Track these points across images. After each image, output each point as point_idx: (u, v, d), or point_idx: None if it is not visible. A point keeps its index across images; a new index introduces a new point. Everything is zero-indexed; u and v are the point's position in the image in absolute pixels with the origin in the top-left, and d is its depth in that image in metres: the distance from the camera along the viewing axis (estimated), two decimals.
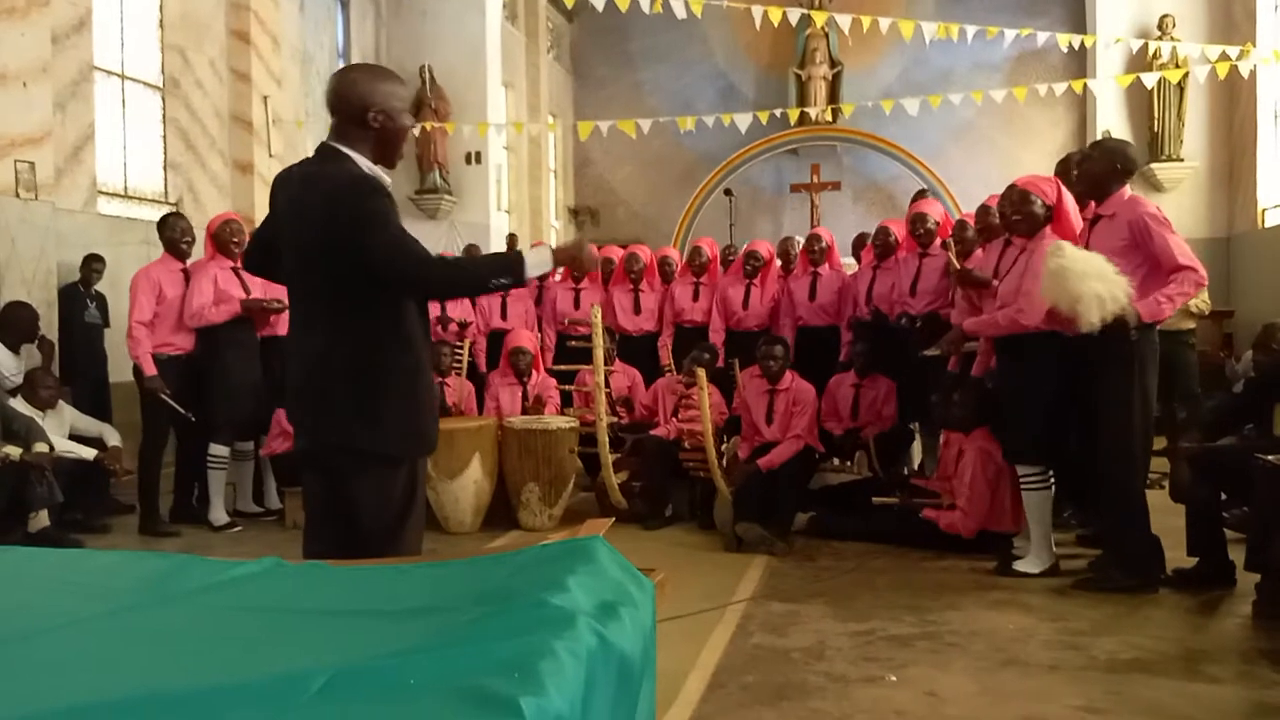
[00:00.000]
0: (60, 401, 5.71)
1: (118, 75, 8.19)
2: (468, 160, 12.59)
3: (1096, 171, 4.35)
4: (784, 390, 5.59)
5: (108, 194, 8.00)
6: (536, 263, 2.58)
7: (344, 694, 1.15)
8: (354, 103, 2.58)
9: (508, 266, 2.59)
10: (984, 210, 5.51)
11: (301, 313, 2.67)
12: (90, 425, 5.83)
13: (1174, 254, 4.15)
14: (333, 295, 2.57)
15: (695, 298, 6.74)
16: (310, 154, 2.72)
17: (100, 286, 7.12)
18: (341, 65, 11.80)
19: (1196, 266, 4.16)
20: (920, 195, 6.66)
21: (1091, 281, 4.02)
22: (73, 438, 5.61)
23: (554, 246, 2.66)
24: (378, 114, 2.58)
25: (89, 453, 5.53)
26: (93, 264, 7.01)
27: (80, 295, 6.96)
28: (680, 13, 9.56)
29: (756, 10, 9.86)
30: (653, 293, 6.90)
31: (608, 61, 16.53)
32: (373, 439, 2.55)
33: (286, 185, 2.70)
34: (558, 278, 7.25)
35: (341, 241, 2.49)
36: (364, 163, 2.58)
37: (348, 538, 2.59)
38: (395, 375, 2.59)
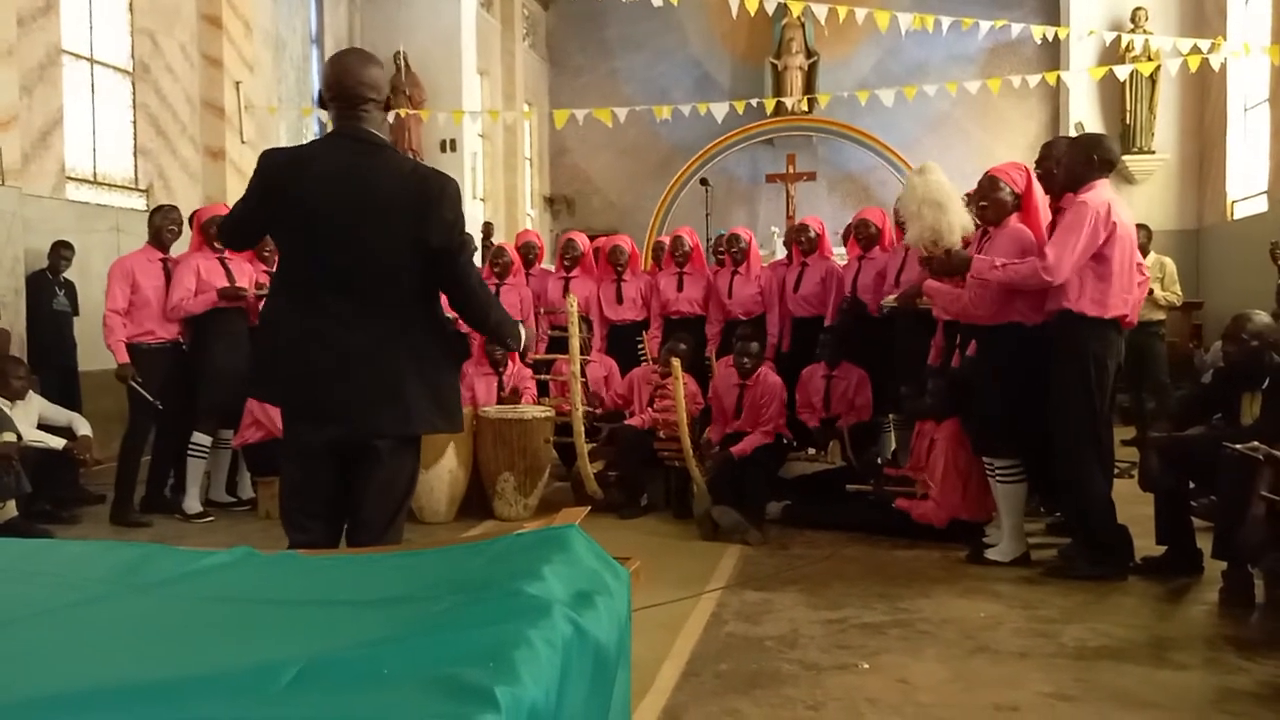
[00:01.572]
0: (29, 391, 5.64)
1: (86, 59, 8.07)
2: (442, 148, 12.52)
3: (1071, 164, 4.36)
4: (753, 385, 5.63)
5: (76, 180, 7.89)
6: (523, 343, 2.99)
7: (316, 684, 1.15)
8: (380, 90, 2.70)
9: (519, 339, 2.95)
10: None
11: (353, 300, 2.64)
12: (59, 414, 5.77)
13: (1056, 237, 4.13)
14: (408, 285, 2.66)
15: (680, 288, 6.72)
16: (285, 139, 2.72)
17: (69, 274, 7.03)
18: (315, 51, 11.71)
19: (1053, 265, 4.07)
20: None
21: (924, 206, 4.16)
22: (41, 427, 5.54)
23: (525, 333, 2.98)
24: (385, 103, 2.74)
25: (58, 442, 5.47)
26: (61, 251, 6.92)
27: (49, 283, 6.87)
28: (657, 1, 9.54)
29: None
30: (635, 282, 6.88)
31: (584, 50, 16.46)
32: (450, 422, 2.76)
33: (321, 168, 2.64)
34: (547, 266, 7.27)
35: (427, 235, 2.60)
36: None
37: (358, 521, 2.75)
38: (453, 363, 2.85)
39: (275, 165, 2.70)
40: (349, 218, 2.59)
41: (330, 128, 2.80)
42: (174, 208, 5.99)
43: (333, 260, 2.63)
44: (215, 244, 5.71)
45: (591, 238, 7.47)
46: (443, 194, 2.64)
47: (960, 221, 4.30)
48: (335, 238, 2.61)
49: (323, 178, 2.62)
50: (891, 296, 5.25)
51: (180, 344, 5.74)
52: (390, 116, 11.34)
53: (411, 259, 2.62)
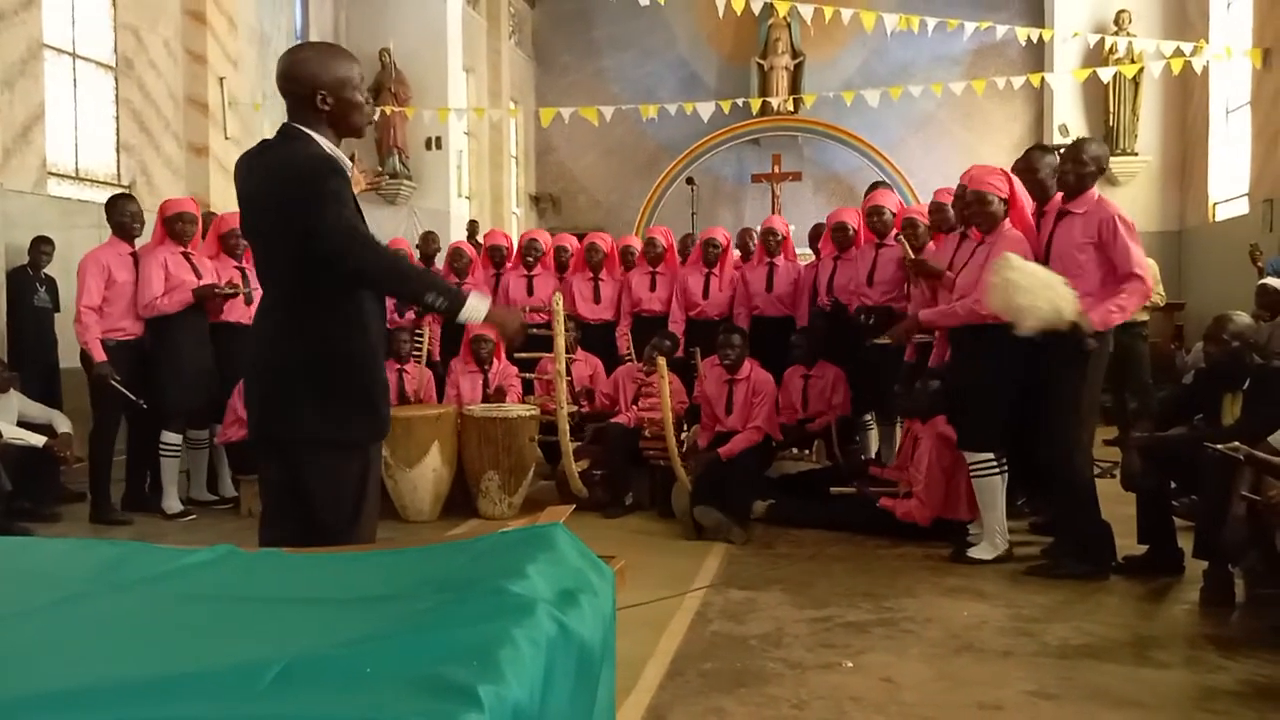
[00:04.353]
0: (10, 388, 5.59)
1: (69, 54, 8.01)
2: (428, 146, 12.48)
3: (1080, 170, 4.39)
4: (743, 380, 5.62)
5: (58, 175, 7.83)
6: (473, 306, 2.53)
7: (299, 683, 1.14)
8: (305, 83, 2.53)
9: (451, 295, 2.53)
10: (937, 205, 5.57)
11: (268, 297, 2.63)
12: (40, 412, 5.72)
13: (1131, 261, 4.24)
14: (288, 278, 2.53)
15: (653, 287, 6.73)
16: (270, 136, 2.69)
17: (50, 270, 6.97)
18: None
19: (1146, 277, 4.27)
20: (876, 186, 6.68)
21: (1036, 296, 4.11)
22: (21, 424, 5.49)
23: (492, 306, 2.60)
24: (327, 95, 2.52)
25: (38, 440, 5.42)
26: (41, 246, 6.86)
27: (29, 279, 6.81)
28: (643, 0, 9.54)
29: None
30: (612, 281, 6.89)
31: (570, 48, 16.44)
32: (325, 426, 2.52)
33: (246, 169, 2.64)
34: (510, 264, 7.24)
35: (295, 220, 2.43)
36: (325, 143, 2.54)
37: (304, 526, 2.56)
38: (348, 361, 2.56)
39: (235, 170, 2.74)
40: (246, 211, 2.62)
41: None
42: (129, 198, 5.87)
43: (255, 254, 2.70)
44: (182, 239, 5.64)
45: (580, 237, 7.46)
46: (305, 169, 2.45)
47: (1067, 292, 4.23)
48: (246, 232, 2.68)
49: (244, 174, 2.64)
50: (884, 337, 5.19)
51: (143, 341, 5.66)
52: (375, 114, 11.29)
53: (295, 247, 2.45)
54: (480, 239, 8.76)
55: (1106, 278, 4.28)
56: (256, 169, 2.58)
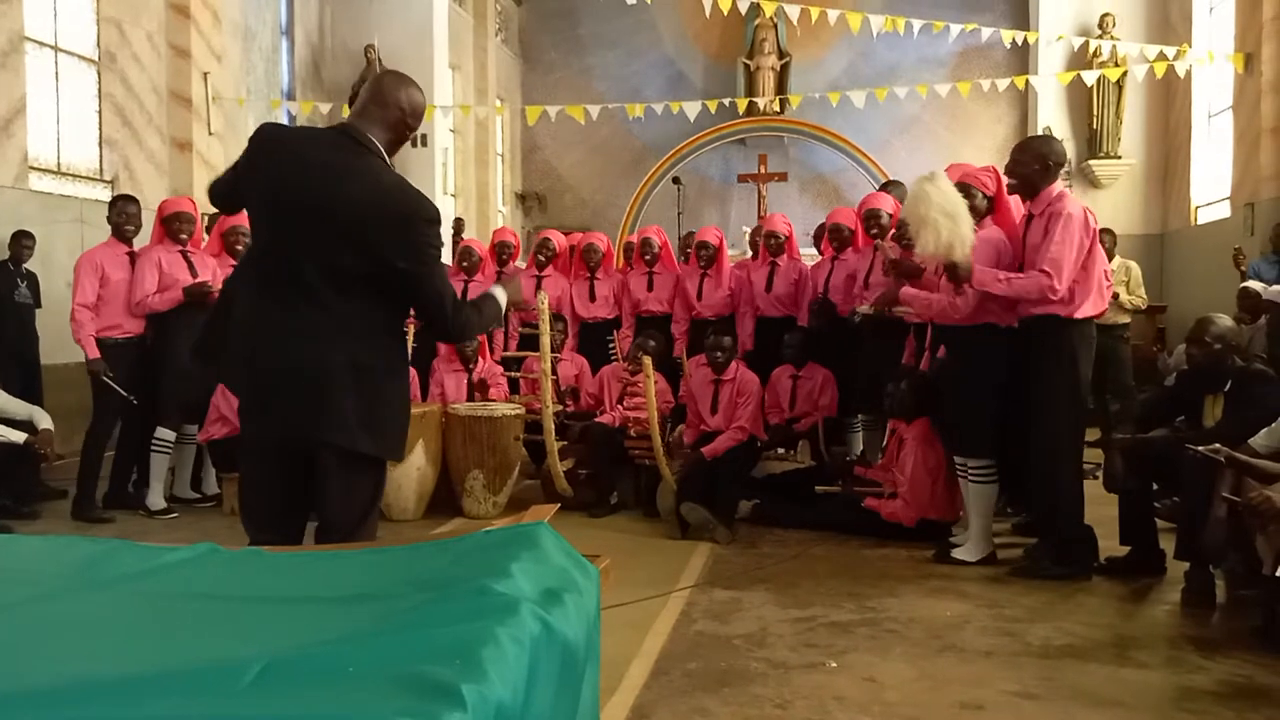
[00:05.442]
0: None
1: (50, 47, 7.94)
2: (413, 143, 12.32)
3: (1024, 172, 4.40)
4: (729, 381, 5.62)
5: (40, 170, 7.77)
6: (505, 303, 2.88)
7: (280, 682, 1.13)
8: (401, 108, 2.63)
9: (500, 311, 2.85)
10: None
11: (305, 297, 2.51)
12: (20, 408, 5.65)
13: (1048, 257, 4.19)
14: (363, 293, 2.53)
15: (650, 287, 6.72)
16: (259, 130, 2.66)
17: (31, 265, 6.90)
18: (285, 43, 11.60)
19: (1055, 281, 4.16)
20: (884, 188, 6.65)
21: (941, 216, 4.17)
22: (2, 420, 5.44)
23: (504, 295, 2.86)
24: (406, 125, 2.66)
25: (18, 436, 5.36)
26: (22, 241, 6.78)
27: (10, 274, 6.73)
28: None
29: None
30: (608, 280, 6.87)
31: (556, 46, 16.42)
32: (374, 443, 2.58)
33: (297, 154, 2.56)
34: (521, 264, 7.26)
35: (394, 256, 2.49)
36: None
37: (322, 524, 2.63)
38: (394, 378, 2.66)
39: (263, 137, 2.63)
40: (312, 211, 2.48)
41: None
42: (130, 200, 5.87)
43: (290, 250, 2.52)
44: (179, 238, 5.66)
45: (565, 234, 7.46)
46: (417, 216, 2.52)
47: (969, 235, 4.28)
48: (297, 228, 2.51)
49: (300, 163, 2.54)
50: (866, 305, 5.26)
51: (144, 339, 5.68)
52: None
53: (370, 269, 2.49)
54: (464, 238, 8.75)
55: (1077, 276, 4.25)
56: (358, 181, 2.51)
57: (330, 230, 2.48)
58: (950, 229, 4.20)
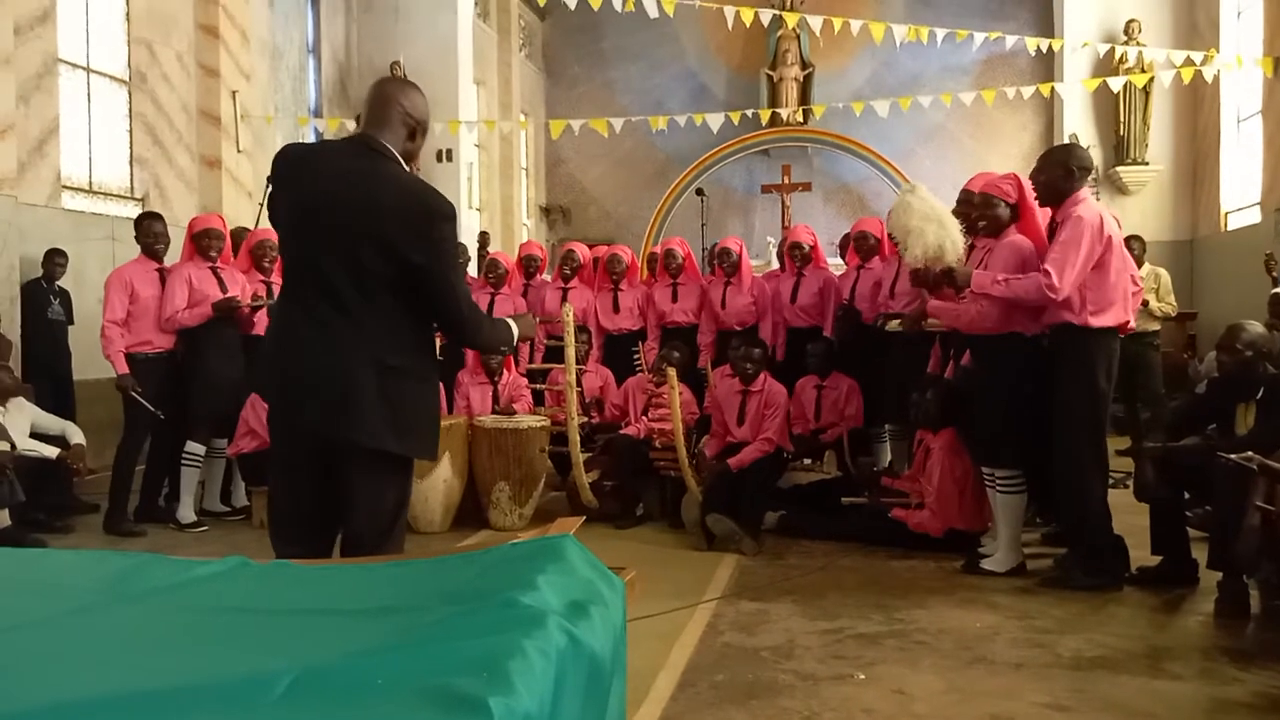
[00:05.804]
0: (21, 399, 5.62)
1: (83, 68, 8.08)
2: (439, 158, 12.52)
3: (1048, 179, 4.38)
4: (757, 392, 5.60)
5: (72, 189, 7.89)
6: (515, 336, 2.95)
7: (310, 694, 1.14)
8: (412, 110, 2.68)
9: (510, 342, 2.94)
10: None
11: (332, 304, 2.55)
12: (53, 423, 5.75)
13: (1055, 254, 4.15)
14: (388, 297, 2.56)
15: (675, 298, 6.73)
16: (288, 148, 2.71)
17: (64, 282, 7.01)
18: (312, 61, 11.72)
19: (1054, 279, 4.10)
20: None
21: (927, 223, 4.16)
22: (35, 436, 5.52)
23: (517, 327, 2.94)
24: (417, 132, 2.70)
25: (51, 451, 5.45)
26: (55, 259, 6.90)
27: (43, 291, 6.85)
28: (653, 12, 9.57)
29: (728, 11, 9.88)
30: (632, 291, 6.89)
31: (580, 60, 16.50)
32: (392, 438, 2.58)
33: (316, 165, 2.64)
34: (547, 277, 7.28)
35: (411, 252, 2.52)
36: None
37: (349, 534, 2.65)
38: (423, 379, 2.68)
39: (284, 156, 2.70)
40: (335, 217, 2.54)
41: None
42: (155, 218, 5.91)
43: (316, 259, 2.57)
44: (208, 254, 5.72)
45: (590, 247, 7.49)
46: (434, 212, 2.56)
47: (959, 238, 4.31)
48: (321, 235, 2.56)
49: (320, 174, 2.61)
50: (895, 322, 5.23)
51: (175, 354, 5.74)
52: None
53: (392, 271, 2.53)
54: (489, 251, 8.82)
55: (1089, 281, 4.21)
56: (374, 183, 2.56)
57: (352, 232, 2.52)
58: (937, 233, 4.21)
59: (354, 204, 2.53)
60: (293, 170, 2.66)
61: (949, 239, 4.22)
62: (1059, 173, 4.33)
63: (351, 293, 2.54)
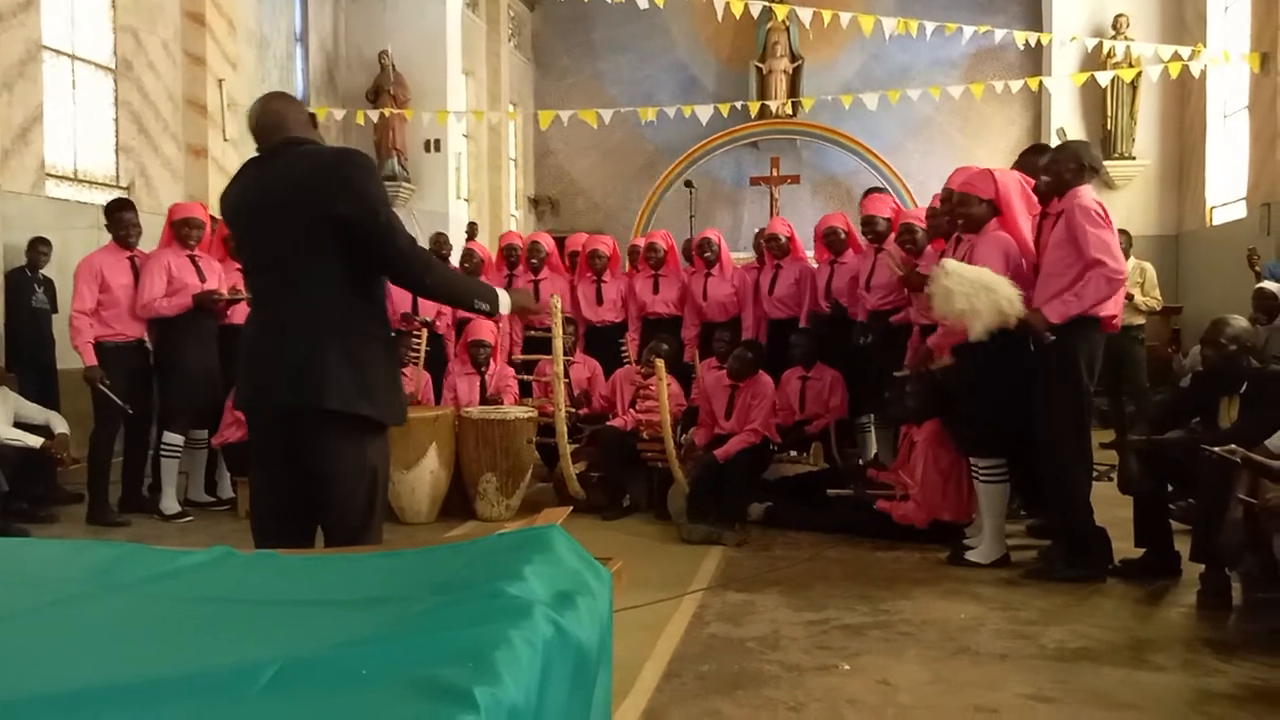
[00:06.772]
0: (5, 388, 5.59)
1: (67, 55, 8.01)
2: (427, 148, 12.49)
3: (1060, 170, 4.39)
4: (746, 387, 5.61)
5: (56, 177, 7.83)
6: (504, 303, 2.92)
7: (295, 685, 1.14)
8: (292, 112, 2.82)
9: (493, 299, 2.88)
10: (934, 210, 5.57)
11: (287, 290, 2.68)
12: (36, 412, 5.71)
13: (1090, 246, 4.16)
14: (335, 267, 2.64)
15: (656, 290, 6.74)
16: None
17: (48, 271, 6.97)
18: (299, 49, 11.66)
19: (1108, 261, 4.14)
20: (870, 193, 6.64)
21: (975, 300, 4.11)
22: (18, 425, 5.49)
23: (512, 298, 2.95)
24: (314, 119, 2.88)
25: (35, 440, 5.41)
26: (39, 247, 6.86)
27: (27, 280, 6.81)
28: (642, 3, 9.56)
29: (718, 2, 9.86)
30: (615, 283, 6.90)
31: (569, 51, 16.45)
32: (359, 400, 2.64)
33: (267, 172, 2.73)
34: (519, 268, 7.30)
35: (336, 203, 2.58)
36: None
37: (326, 523, 2.71)
38: (383, 343, 2.77)
39: (221, 204, 2.87)
40: (261, 212, 2.69)
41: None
42: (126, 207, 5.79)
43: (266, 255, 2.72)
44: (187, 243, 5.67)
45: (561, 237, 7.50)
46: (345, 161, 2.67)
47: (1010, 291, 4.25)
48: (256, 234, 2.74)
49: (241, 188, 2.78)
50: (905, 369, 5.18)
51: (144, 342, 5.68)
52: (374, 115, 11.32)
53: (329, 233, 2.61)
54: (476, 241, 8.80)
55: (1084, 273, 4.23)
56: (289, 166, 2.68)
57: (287, 213, 2.65)
58: (990, 300, 4.13)
59: (278, 190, 2.66)
60: (231, 210, 2.83)
61: (1002, 298, 4.14)
62: (1071, 166, 4.35)
63: (302, 272, 2.65)
